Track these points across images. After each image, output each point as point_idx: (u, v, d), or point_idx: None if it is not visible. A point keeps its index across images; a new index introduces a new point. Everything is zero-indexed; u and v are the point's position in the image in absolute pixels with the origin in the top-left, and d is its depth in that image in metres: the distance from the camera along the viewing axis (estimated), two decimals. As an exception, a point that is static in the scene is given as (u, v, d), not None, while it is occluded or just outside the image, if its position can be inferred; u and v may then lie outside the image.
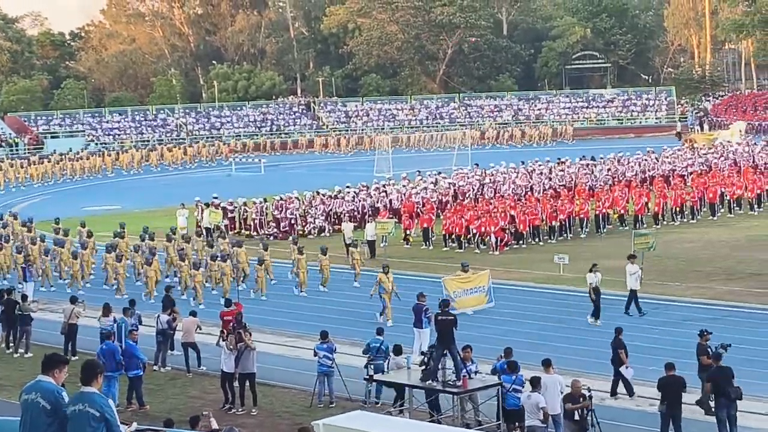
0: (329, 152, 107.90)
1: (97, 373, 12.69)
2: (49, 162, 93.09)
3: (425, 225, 52.60)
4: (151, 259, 43.28)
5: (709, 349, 26.15)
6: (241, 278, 42.72)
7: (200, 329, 32.50)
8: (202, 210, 56.52)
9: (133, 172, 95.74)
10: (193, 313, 33.07)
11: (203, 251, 46.75)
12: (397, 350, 27.66)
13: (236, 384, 28.25)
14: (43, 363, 12.78)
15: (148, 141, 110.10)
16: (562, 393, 24.14)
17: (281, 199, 58.03)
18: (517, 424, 24.27)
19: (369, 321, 35.59)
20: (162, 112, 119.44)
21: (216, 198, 58.77)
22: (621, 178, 63.73)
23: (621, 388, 27.82)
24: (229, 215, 57.57)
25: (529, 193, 59.99)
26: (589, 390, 23.93)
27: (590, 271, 36.50)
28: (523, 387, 24.47)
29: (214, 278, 42.52)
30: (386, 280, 36.88)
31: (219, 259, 42.58)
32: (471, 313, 36.68)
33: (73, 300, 35.15)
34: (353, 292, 41.89)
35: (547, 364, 24.92)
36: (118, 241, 47.39)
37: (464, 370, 25.09)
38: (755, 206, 59.76)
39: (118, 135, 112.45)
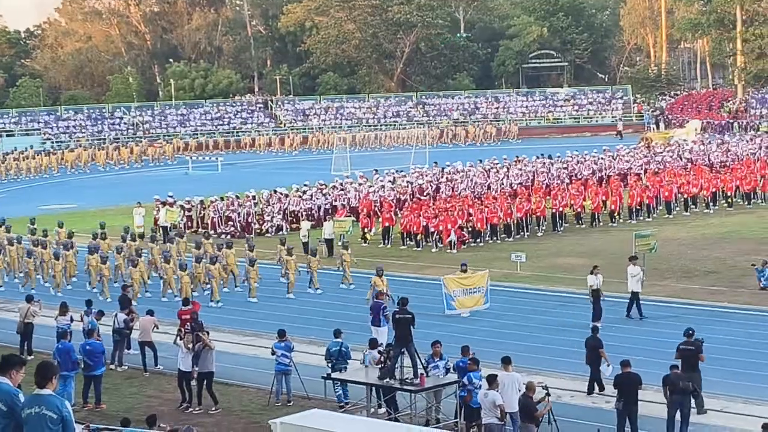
0: (274, 151, 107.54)
1: (53, 375, 12.64)
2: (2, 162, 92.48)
3: (386, 224, 52.61)
4: (137, 261, 42.74)
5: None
6: (230, 279, 42.92)
7: (157, 328, 32.37)
8: (160, 208, 56.32)
9: (79, 171, 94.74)
10: (150, 312, 32.92)
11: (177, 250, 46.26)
12: (373, 344, 27.54)
13: (194, 383, 28.16)
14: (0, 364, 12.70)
15: (105, 139, 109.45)
16: (520, 391, 24.06)
17: (237, 197, 57.94)
18: (474, 423, 24.39)
19: (333, 321, 35.31)
20: (118, 110, 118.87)
21: (171, 196, 58.55)
22: (578, 177, 64.05)
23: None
24: (187, 214, 57.37)
25: (487, 191, 60.16)
26: (546, 387, 23.99)
27: (591, 273, 35.71)
28: (472, 385, 24.57)
29: (198, 280, 41.72)
30: (380, 284, 36.07)
31: (206, 260, 42.02)
32: (467, 315, 36.54)
33: (29, 299, 34.94)
34: (334, 293, 41.83)
35: (506, 362, 24.91)
36: (99, 243, 46.44)
37: (430, 366, 25.21)
38: (710, 204, 60.17)
39: (74, 133, 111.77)
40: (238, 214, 56.48)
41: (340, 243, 47.74)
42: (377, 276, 36.55)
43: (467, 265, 38.37)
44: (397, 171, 67.39)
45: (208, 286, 41.53)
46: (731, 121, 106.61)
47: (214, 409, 27.73)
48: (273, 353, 28.53)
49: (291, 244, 44.39)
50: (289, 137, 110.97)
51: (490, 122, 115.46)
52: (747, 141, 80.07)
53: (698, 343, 26.51)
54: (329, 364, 27.85)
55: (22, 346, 33.50)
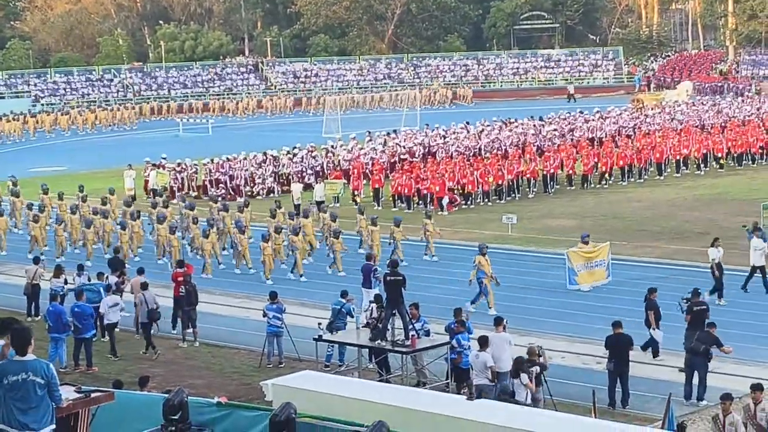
0: (268, 115, 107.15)
1: (30, 340, 12.60)
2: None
3: (376, 186, 52.56)
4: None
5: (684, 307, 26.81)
6: (309, 251, 40.66)
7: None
8: (149, 171, 56.20)
9: (48, 135, 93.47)
10: (141, 271, 32.82)
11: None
12: (378, 299, 27.48)
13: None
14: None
15: (94, 101, 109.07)
16: (511, 345, 24.53)
17: (227, 159, 57.81)
18: (465, 383, 24.46)
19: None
20: (108, 72, 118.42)
21: (164, 158, 58.43)
22: (569, 138, 64.00)
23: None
24: (178, 176, 57.20)
25: (478, 153, 60.11)
26: (540, 348, 24.05)
27: (712, 245, 34.16)
28: (461, 347, 24.61)
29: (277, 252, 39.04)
30: (485, 263, 33.00)
31: (287, 231, 39.71)
32: (588, 290, 34.81)
33: (36, 260, 35.00)
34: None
35: (497, 322, 25.08)
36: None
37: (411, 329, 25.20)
38: (701, 166, 60.17)
39: (64, 95, 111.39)
40: (230, 176, 56.36)
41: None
42: (481, 254, 33.05)
43: (589, 236, 36.52)
44: (388, 133, 67.25)
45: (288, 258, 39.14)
46: (720, 84, 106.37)
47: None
48: (264, 315, 28.56)
49: (373, 214, 42.19)
50: (279, 99, 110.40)
51: (444, 86, 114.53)
52: (739, 103, 79.95)
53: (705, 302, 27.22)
54: (330, 320, 27.90)
55: (30, 308, 33.83)
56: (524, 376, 22.66)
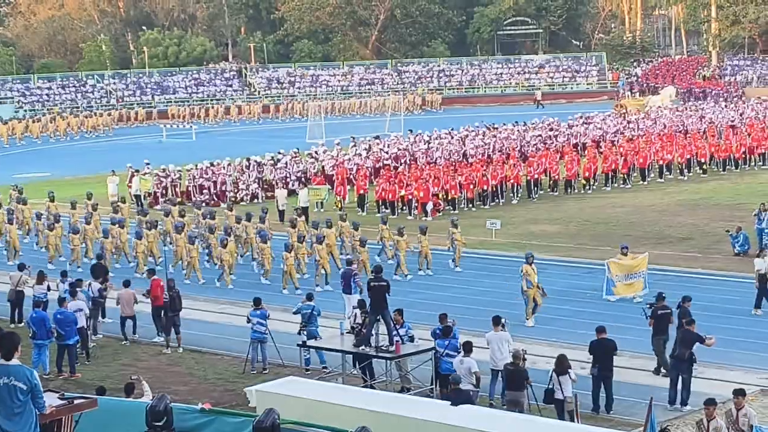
0: (256, 120, 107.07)
1: (18, 345, 12.60)
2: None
3: (360, 192, 52.55)
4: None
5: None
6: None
7: (137, 302, 32.14)
8: (133, 177, 56.09)
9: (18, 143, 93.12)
10: (127, 283, 32.70)
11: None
12: (362, 305, 27.46)
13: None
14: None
15: (78, 107, 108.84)
16: (510, 344, 24.92)
17: (211, 164, 57.74)
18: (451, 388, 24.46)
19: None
20: (91, 78, 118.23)
21: (148, 164, 58.34)
22: (552, 144, 64.09)
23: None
24: (162, 182, 57.10)
25: (462, 159, 60.12)
26: (525, 352, 24.15)
27: (758, 256, 33.48)
28: (456, 352, 24.60)
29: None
30: (532, 273, 31.99)
31: (309, 239, 39.18)
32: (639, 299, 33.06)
33: (21, 267, 34.86)
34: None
35: (496, 321, 25.32)
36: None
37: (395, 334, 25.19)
38: (685, 171, 60.31)
39: (47, 101, 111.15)
40: (214, 182, 56.30)
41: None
42: (527, 264, 32.02)
43: (628, 247, 35.73)
44: (376, 137, 67.32)
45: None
46: (705, 89, 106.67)
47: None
48: (249, 321, 28.53)
49: (400, 225, 40.79)
50: (254, 104, 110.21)
51: (413, 92, 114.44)
52: (722, 108, 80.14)
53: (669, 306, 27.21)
54: (302, 325, 28.01)
55: (13, 314, 33.69)
56: (572, 372, 23.15)
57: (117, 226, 41.95)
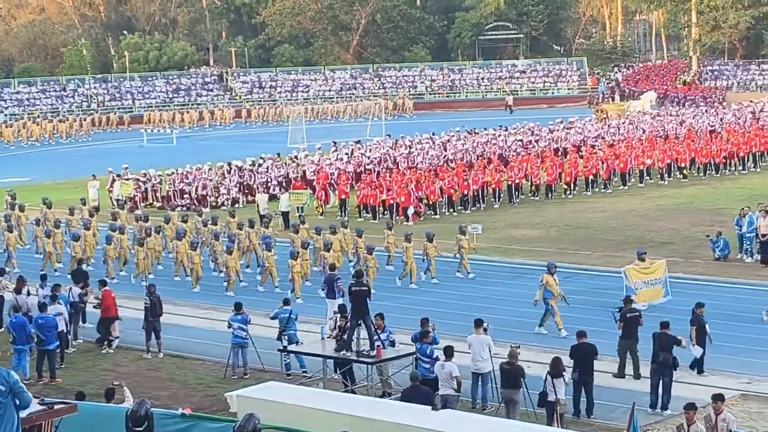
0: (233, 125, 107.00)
1: None
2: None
3: (342, 196, 52.54)
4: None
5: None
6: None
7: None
8: (113, 181, 55.98)
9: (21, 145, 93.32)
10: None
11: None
12: (342, 309, 27.48)
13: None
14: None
15: (58, 112, 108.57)
16: (491, 350, 25.12)
17: (190, 170, 57.66)
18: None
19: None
20: (72, 82, 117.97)
21: (126, 169, 58.22)
22: (533, 149, 64.22)
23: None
24: (142, 187, 57.01)
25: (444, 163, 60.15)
26: (518, 346, 24.72)
27: None
28: (427, 357, 24.63)
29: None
30: (553, 283, 31.42)
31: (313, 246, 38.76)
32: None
33: (1, 272, 34.73)
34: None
35: (477, 324, 25.42)
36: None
37: (376, 339, 25.20)
38: (665, 176, 60.47)
39: (28, 106, 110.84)
40: (196, 187, 56.22)
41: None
42: (549, 274, 31.43)
43: (646, 253, 35.38)
44: (357, 142, 67.33)
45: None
46: (685, 95, 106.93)
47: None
48: (229, 326, 28.49)
49: (409, 231, 40.35)
50: (227, 109, 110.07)
51: (384, 97, 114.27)
52: (703, 113, 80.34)
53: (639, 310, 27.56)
54: (280, 330, 27.96)
55: None
56: (566, 375, 23.27)
57: (117, 232, 41.57)
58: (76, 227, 44.52)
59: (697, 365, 26.99)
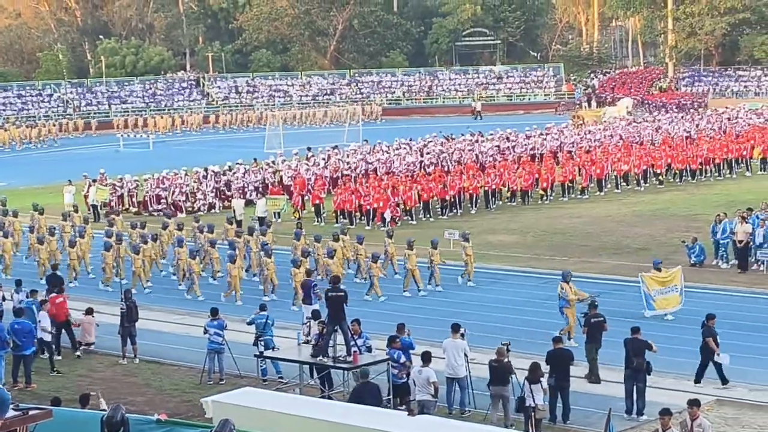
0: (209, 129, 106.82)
1: None
2: None
3: (316, 201, 52.53)
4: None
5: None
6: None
7: (98, 326, 31.98)
8: (89, 186, 55.81)
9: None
10: (90, 311, 32.37)
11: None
12: (316, 315, 27.49)
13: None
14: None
15: (34, 117, 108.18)
16: (466, 357, 25.09)
17: (172, 173, 57.55)
18: (408, 399, 24.44)
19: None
20: (48, 87, 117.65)
21: (103, 174, 58.06)
22: (510, 154, 64.36)
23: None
24: (118, 192, 56.86)
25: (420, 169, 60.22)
26: (508, 345, 24.64)
27: None
28: (396, 362, 24.64)
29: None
30: (569, 290, 30.81)
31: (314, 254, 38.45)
32: (672, 318, 32.87)
33: None
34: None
35: (454, 329, 25.48)
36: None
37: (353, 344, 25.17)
38: (642, 182, 60.65)
39: (3, 111, 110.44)
40: (173, 192, 56.09)
41: (459, 236, 45.62)
42: (564, 282, 31.01)
43: (662, 262, 34.97)
44: (335, 147, 67.34)
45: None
46: (667, 102, 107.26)
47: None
48: (206, 332, 28.42)
49: (411, 237, 39.06)
50: (196, 114, 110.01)
51: (353, 102, 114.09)
52: (679, 119, 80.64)
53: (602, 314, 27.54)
54: (257, 335, 27.96)
55: None
56: (543, 381, 23.25)
57: (114, 239, 41.02)
58: (69, 233, 44.24)
59: (721, 377, 26.47)
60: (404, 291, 37.53)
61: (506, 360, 24.21)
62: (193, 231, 43.20)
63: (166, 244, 42.91)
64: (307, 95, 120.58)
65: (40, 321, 29.80)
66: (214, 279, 39.74)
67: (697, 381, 26.71)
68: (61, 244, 43.57)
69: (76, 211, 49.01)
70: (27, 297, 31.51)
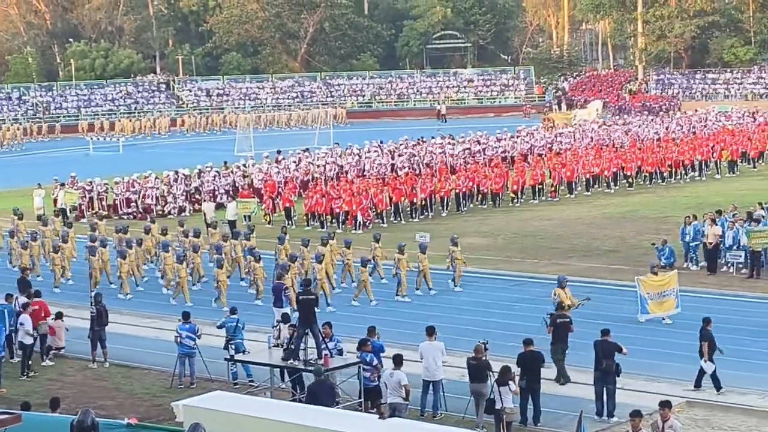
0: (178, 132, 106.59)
1: None
2: None
3: (287, 204, 52.46)
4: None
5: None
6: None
7: (67, 330, 31.80)
8: (59, 190, 55.57)
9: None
10: (60, 315, 32.15)
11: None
12: (285, 318, 27.45)
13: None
14: None
15: (4, 120, 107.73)
16: (444, 355, 25.26)
17: (142, 177, 57.40)
18: (379, 402, 24.44)
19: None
20: (17, 90, 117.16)
21: (73, 177, 57.83)
22: (481, 157, 64.47)
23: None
24: (88, 195, 56.63)
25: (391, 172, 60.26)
26: (486, 343, 24.66)
27: None
28: (367, 365, 24.65)
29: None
30: (564, 296, 30.51)
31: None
32: (670, 323, 32.72)
33: None
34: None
35: (429, 332, 25.57)
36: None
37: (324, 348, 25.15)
38: (612, 184, 60.85)
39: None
40: (142, 195, 55.90)
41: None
42: (560, 287, 30.91)
43: (657, 266, 34.79)
44: (305, 150, 67.25)
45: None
46: (642, 103, 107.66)
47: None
48: (177, 336, 28.30)
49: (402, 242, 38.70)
50: (163, 118, 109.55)
51: (323, 105, 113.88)
52: (649, 122, 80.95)
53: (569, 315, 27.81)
54: (227, 338, 27.86)
55: None
56: (512, 384, 23.23)
57: (98, 244, 40.52)
58: (51, 238, 43.90)
59: (715, 381, 26.25)
60: (416, 290, 37.52)
61: (484, 358, 24.26)
62: (177, 235, 42.88)
63: (149, 248, 42.59)
64: (277, 98, 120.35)
65: (22, 324, 29.63)
66: (198, 283, 39.51)
67: (719, 388, 26.35)
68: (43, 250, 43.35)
69: (57, 215, 48.68)
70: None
